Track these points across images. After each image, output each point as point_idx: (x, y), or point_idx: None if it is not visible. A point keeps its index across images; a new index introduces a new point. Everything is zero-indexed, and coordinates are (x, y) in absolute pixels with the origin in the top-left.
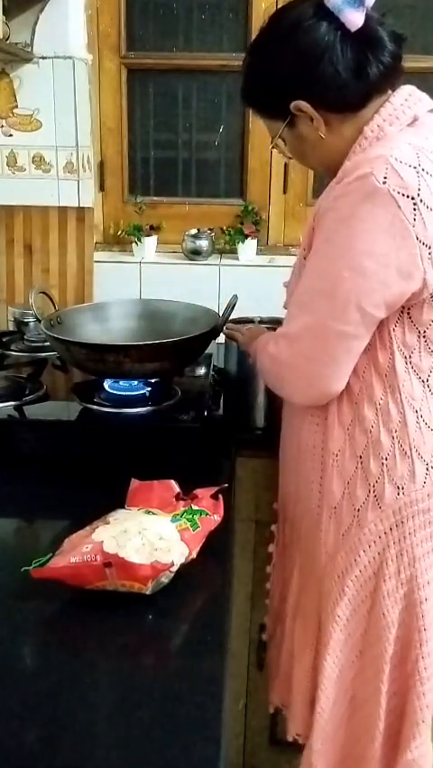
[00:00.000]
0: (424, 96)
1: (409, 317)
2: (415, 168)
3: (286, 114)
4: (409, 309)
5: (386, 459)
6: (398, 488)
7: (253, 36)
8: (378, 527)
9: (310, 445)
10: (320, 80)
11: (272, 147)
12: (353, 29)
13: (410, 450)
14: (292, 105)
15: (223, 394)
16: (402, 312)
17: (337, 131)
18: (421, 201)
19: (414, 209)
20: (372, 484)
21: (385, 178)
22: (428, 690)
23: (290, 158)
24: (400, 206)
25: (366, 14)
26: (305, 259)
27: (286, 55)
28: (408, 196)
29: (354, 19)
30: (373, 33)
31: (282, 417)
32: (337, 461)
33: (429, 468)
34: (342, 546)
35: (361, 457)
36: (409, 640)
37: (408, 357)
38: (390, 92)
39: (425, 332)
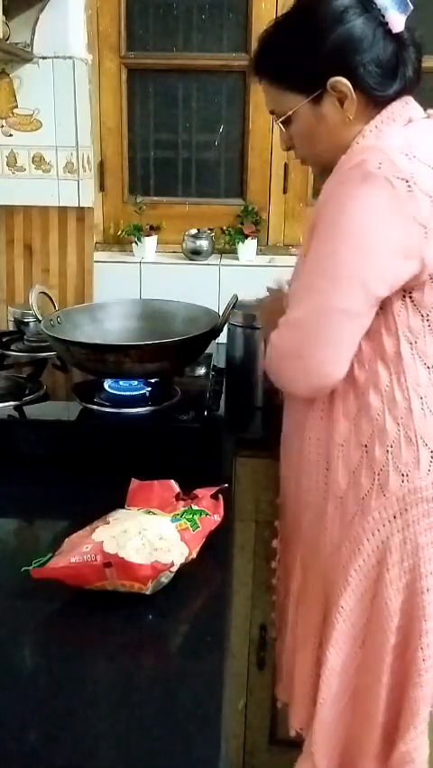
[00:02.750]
0: (417, 105)
1: (412, 301)
2: (407, 155)
3: (315, 88)
4: (411, 292)
5: (391, 446)
6: (402, 475)
7: (254, 36)
8: (382, 515)
9: (315, 438)
10: (367, 65)
11: (279, 121)
12: (395, 30)
13: (415, 437)
14: (332, 80)
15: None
16: (405, 296)
17: (354, 121)
18: (415, 183)
19: (408, 190)
20: (376, 472)
21: (380, 164)
22: (426, 683)
23: (288, 146)
24: (395, 187)
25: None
26: (306, 256)
27: (340, 30)
28: (402, 179)
29: (397, 21)
30: (408, 40)
31: (284, 415)
32: (343, 451)
33: None
34: (346, 536)
35: (366, 446)
36: (410, 630)
37: (413, 343)
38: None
39: (428, 315)
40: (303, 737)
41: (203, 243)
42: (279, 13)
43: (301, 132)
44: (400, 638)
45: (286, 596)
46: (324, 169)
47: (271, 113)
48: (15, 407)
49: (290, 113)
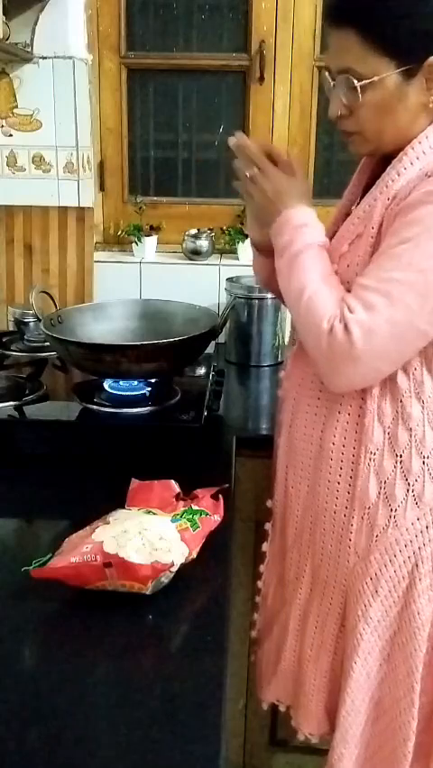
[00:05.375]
0: None
1: None
2: None
3: (411, 61)
4: None
5: (428, 457)
6: None
7: (254, 36)
8: (415, 526)
9: (339, 445)
10: None
11: (359, 84)
12: None
13: None
14: (426, 63)
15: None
16: None
17: (430, 112)
18: None
19: None
20: (411, 483)
21: None
22: None
23: (342, 115)
24: None
25: None
26: (372, 239)
27: None
28: None
29: None
30: None
31: (287, 410)
32: (374, 460)
33: None
34: (376, 547)
35: (401, 456)
36: None
37: None
38: None
39: None
40: (310, 741)
41: (203, 243)
42: (279, 13)
43: (375, 104)
44: (429, 646)
45: (283, 604)
46: (371, 152)
47: (328, 70)
48: (15, 407)
49: (376, 79)
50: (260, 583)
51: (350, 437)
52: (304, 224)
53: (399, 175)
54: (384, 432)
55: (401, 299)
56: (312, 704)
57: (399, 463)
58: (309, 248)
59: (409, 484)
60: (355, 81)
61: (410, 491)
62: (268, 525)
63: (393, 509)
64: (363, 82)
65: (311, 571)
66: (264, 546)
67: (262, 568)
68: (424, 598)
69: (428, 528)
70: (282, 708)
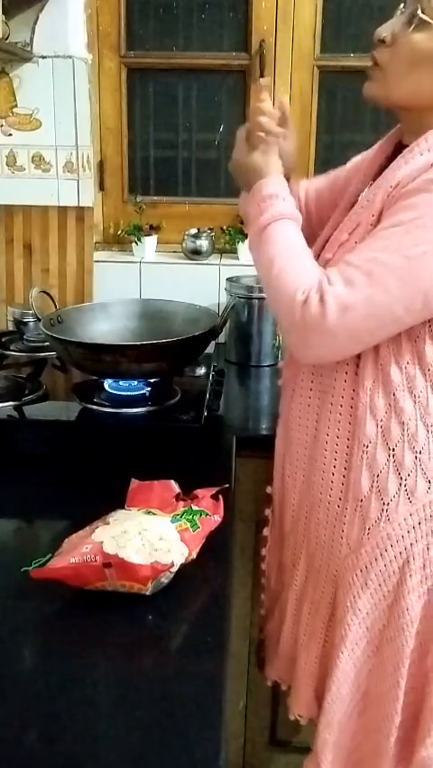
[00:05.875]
0: None
1: None
2: None
3: None
4: None
5: (420, 452)
6: (429, 481)
7: (254, 36)
8: (408, 522)
9: (333, 436)
10: None
11: (419, 14)
12: None
13: None
14: None
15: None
16: None
17: None
18: None
19: None
20: (403, 478)
21: None
22: None
23: (385, 42)
24: None
25: None
26: (372, 226)
27: None
28: None
29: None
30: None
31: (286, 401)
32: (367, 453)
33: None
34: (367, 540)
35: (393, 450)
36: (430, 635)
37: None
38: None
39: None
40: (303, 722)
41: (203, 243)
42: (279, 13)
43: (416, 47)
44: (418, 643)
45: (282, 588)
46: (380, 99)
47: None
48: (15, 407)
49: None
50: (264, 565)
51: (344, 429)
52: (275, 195)
53: (406, 163)
54: (377, 425)
55: (382, 281)
56: (302, 687)
57: (391, 457)
58: (281, 218)
59: (401, 479)
60: (419, 11)
61: (403, 486)
62: (268, 511)
63: (386, 503)
64: (424, 17)
65: (306, 559)
66: (265, 531)
67: (264, 551)
68: (414, 595)
69: (421, 524)
70: (284, 687)
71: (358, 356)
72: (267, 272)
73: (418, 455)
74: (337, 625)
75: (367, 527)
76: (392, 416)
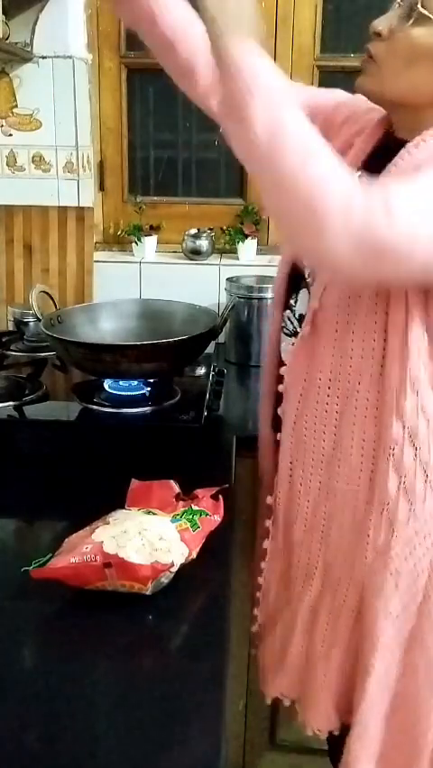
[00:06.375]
0: None
1: None
2: None
3: None
4: None
5: None
6: None
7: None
8: None
9: (359, 440)
10: None
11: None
12: None
13: None
14: None
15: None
16: None
17: None
18: None
19: None
20: (428, 474)
21: None
22: None
23: (382, 35)
24: None
25: None
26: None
27: None
28: None
29: None
30: None
31: (290, 408)
32: (394, 455)
33: None
34: (396, 542)
35: (419, 448)
36: None
37: None
38: None
39: None
40: (322, 737)
41: (203, 243)
42: (279, 14)
43: (413, 42)
44: None
45: (288, 601)
46: (374, 92)
47: None
48: (15, 407)
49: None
50: (261, 579)
51: (369, 432)
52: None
53: (409, 154)
54: (404, 426)
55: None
56: (321, 700)
57: (417, 456)
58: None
59: (426, 475)
60: (419, 5)
61: (428, 482)
62: (269, 523)
63: (412, 502)
64: (424, 11)
65: (323, 567)
66: (265, 544)
67: (262, 564)
68: None
69: None
70: (286, 703)
71: (383, 356)
72: (294, 165)
73: None
74: (367, 631)
75: (394, 529)
76: (418, 413)
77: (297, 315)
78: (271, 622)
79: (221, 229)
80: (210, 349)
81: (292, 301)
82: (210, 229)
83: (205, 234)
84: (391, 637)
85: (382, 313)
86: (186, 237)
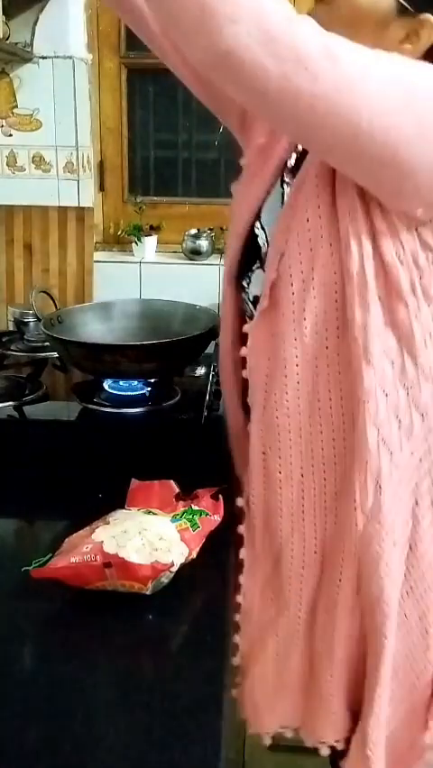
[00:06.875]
0: None
1: None
2: None
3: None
4: None
5: (411, 388)
6: (422, 415)
7: None
8: (411, 462)
9: (337, 405)
10: None
11: None
12: None
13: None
14: (426, 16)
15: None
16: None
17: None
18: None
19: None
20: (401, 419)
21: None
22: None
23: None
24: None
25: None
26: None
27: None
28: None
29: None
30: None
31: (258, 392)
32: (369, 406)
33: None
34: (384, 499)
35: (388, 394)
36: None
37: None
38: None
39: None
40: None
41: (203, 243)
42: None
43: (362, 6)
44: None
45: (282, 608)
46: None
47: None
48: (15, 407)
49: None
50: (240, 598)
51: (345, 389)
52: None
53: None
54: (374, 372)
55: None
56: (333, 705)
57: (388, 402)
58: None
59: (399, 421)
60: None
61: (402, 428)
62: (242, 528)
63: (392, 452)
64: None
65: (321, 552)
66: (241, 553)
67: (241, 579)
68: (428, 537)
69: (422, 461)
70: (289, 735)
71: (344, 305)
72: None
73: (409, 390)
74: (375, 604)
75: (379, 485)
76: (383, 357)
77: (251, 298)
78: (259, 645)
79: (221, 229)
80: (210, 349)
81: (245, 283)
82: (210, 229)
83: (205, 234)
84: (396, 600)
85: (337, 255)
86: (186, 237)
